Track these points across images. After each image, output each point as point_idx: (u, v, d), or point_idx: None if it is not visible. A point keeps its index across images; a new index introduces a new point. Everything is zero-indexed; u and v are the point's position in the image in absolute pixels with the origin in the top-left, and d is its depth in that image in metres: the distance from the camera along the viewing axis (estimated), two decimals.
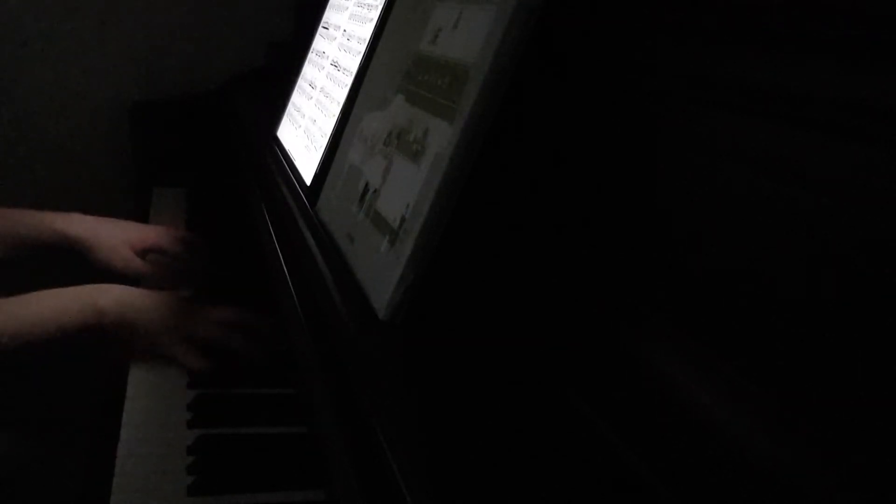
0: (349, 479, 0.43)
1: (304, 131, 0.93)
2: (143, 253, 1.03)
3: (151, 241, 1.04)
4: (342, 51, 0.90)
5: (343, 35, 0.92)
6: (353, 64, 0.82)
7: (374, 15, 0.80)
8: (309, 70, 1.05)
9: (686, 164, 0.46)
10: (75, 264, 1.00)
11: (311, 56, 1.07)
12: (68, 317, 0.78)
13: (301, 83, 1.07)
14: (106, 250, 1.00)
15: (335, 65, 0.91)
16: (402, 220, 0.53)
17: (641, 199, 0.50)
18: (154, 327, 0.80)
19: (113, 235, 1.02)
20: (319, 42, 1.05)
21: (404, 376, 0.48)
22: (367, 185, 0.62)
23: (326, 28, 1.04)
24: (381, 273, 0.53)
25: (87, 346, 0.80)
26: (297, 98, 1.06)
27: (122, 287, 0.84)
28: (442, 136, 0.52)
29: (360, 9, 0.88)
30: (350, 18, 0.91)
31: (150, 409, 0.74)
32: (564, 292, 0.52)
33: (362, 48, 0.80)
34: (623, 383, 0.45)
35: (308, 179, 0.81)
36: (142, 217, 1.32)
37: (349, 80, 0.81)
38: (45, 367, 0.88)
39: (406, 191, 0.54)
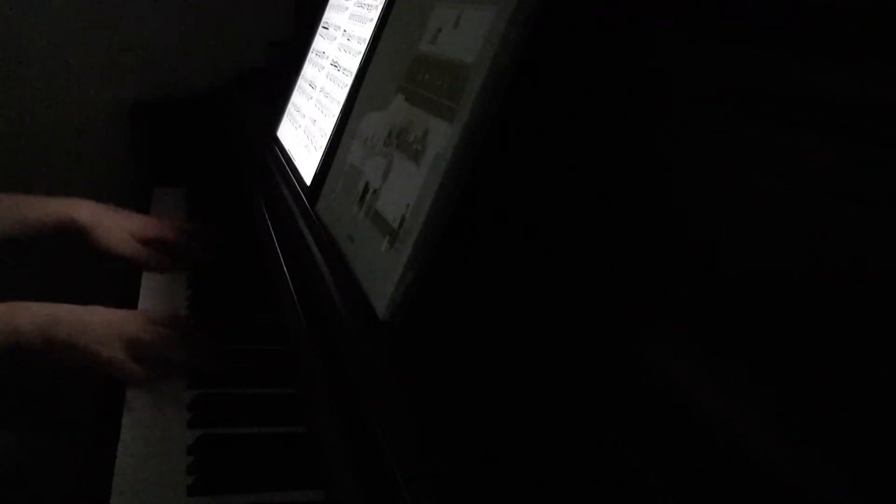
0: (349, 479, 0.44)
1: (304, 131, 0.93)
2: (143, 242, 1.07)
3: (151, 232, 1.08)
4: (342, 51, 0.90)
5: (343, 35, 0.92)
6: (353, 64, 0.82)
7: (374, 15, 0.80)
8: (309, 70, 1.05)
9: (686, 164, 0.46)
10: (78, 247, 1.04)
11: (311, 56, 1.07)
12: None
13: (301, 83, 1.07)
14: (105, 234, 1.04)
15: (335, 65, 0.91)
16: (402, 220, 0.53)
17: (642, 199, 0.50)
18: (83, 340, 0.76)
19: (114, 222, 1.06)
20: (319, 42, 1.05)
21: (404, 376, 0.48)
22: (367, 185, 0.62)
23: (326, 28, 1.04)
24: (381, 273, 0.53)
25: (7, 368, 0.78)
26: (297, 98, 1.06)
27: (45, 304, 0.80)
28: (442, 136, 0.52)
29: (360, 9, 0.88)
30: (350, 18, 0.91)
31: (150, 408, 0.74)
32: (564, 292, 0.52)
33: (362, 48, 0.80)
34: (624, 383, 0.45)
35: (308, 179, 0.81)
36: None
37: (349, 80, 0.81)
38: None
39: (406, 191, 0.54)
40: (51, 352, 0.76)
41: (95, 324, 0.78)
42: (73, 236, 1.04)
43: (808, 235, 0.37)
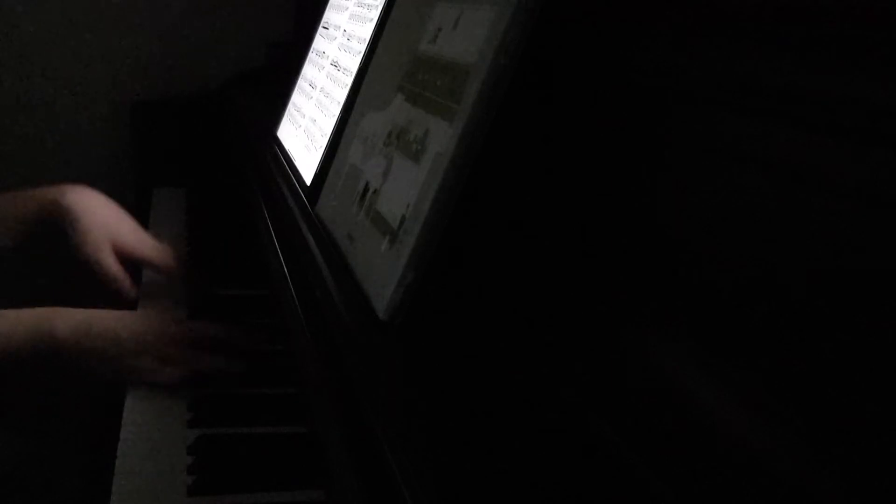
0: (349, 479, 0.44)
1: (304, 131, 0.93)
2: (130, 262, 0.96)
3: (141, 254, 0.97)
4: (342, 51, 0.90)
5: (343, 35, 0.92)
6: (353, 64, 0.82)
7: (374, 15, 0.80)
8: (309, 70, 1.05)
9: (687, 165, 0.46)
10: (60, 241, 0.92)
11: (311, 56, 1.07)
12: (18, 343, 0.73)
13: (301, 83, 1.07)
14: (85, 228, 0.90)
15: (335, 65, 0.91)
16: (402, 220, 0.53)
17: (642, 200, 0.50)
18: (117, 353, 0.76)
19: (103, 221, 0.93)
20: (319, 42, 1.05)
21: (404, 376, 0.48)
22: (367, 185, 0.62)
23: (326, 28, 1.04)
24: (381, 273, 0.53)
25: (42, 373, 0.77)
26: (297, 98, 1.06)
27: (85, 312, 0.78)
28: (442, 136, 0.52)
29: (360, 9, 0.88)
30: (350, 18, 0.91)
31: (150, 408, 0.74)
32: (565, 292, 0.52)
33: (362, 48, 0.80)
34: (624, 384, 0.45)
35: (308, 179, 0.81)
36: (142, 217, 1.32)
37: (349, 80, 0.81)
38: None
39: (406, 191, 0.54)
40: (83, 360, 0.75)
41: (127, 336, 0.76)
42: (54, 225, 0.91)
43: (808, 236, 0.37)
